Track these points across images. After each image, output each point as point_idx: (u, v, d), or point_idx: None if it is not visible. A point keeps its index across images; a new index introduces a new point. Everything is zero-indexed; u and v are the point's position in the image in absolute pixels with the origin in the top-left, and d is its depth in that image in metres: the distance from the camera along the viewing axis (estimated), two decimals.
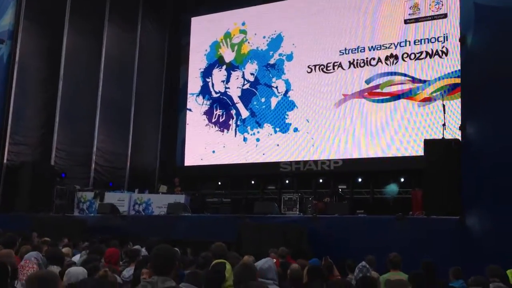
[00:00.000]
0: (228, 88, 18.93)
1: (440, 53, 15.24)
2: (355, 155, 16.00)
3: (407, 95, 15.54)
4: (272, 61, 18.14)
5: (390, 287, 4.71)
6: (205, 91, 19.42)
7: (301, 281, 5.20)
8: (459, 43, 10.79)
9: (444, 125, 11.44)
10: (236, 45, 19.04)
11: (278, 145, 17.43)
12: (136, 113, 19.13)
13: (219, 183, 18.97)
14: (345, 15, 17.01)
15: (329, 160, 16.31)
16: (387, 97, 15.83)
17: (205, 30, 19.85)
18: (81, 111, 17.43)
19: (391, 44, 16.04)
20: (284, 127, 17.46)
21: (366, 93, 16.19)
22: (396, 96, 15.70)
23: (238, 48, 18.98)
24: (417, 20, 15.75)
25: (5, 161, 15.21)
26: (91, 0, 17.94)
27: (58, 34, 16.90)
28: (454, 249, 9.22)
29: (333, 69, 16.89)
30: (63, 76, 16.85)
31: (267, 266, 4.82)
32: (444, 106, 11.95)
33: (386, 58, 16.04)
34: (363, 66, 16.41)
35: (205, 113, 19.20)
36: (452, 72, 14.81)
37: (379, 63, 16.14)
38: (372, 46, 16.35)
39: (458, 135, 10.93)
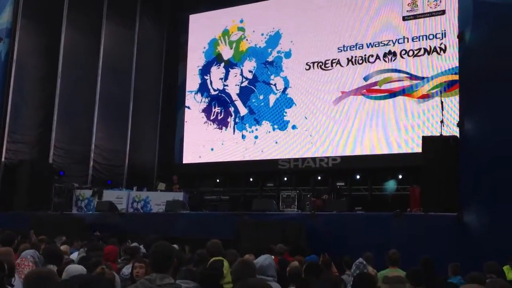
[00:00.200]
0: (227, 85, 18.92)
1: (438, 49, 15.24)
2: (353, 152, 16.00)
3: (405, 92, 15.54)
4: (270, 59, 18.12)
5: (388, 284, 4.72)
6: (203, 88, 19.41)
7: (300, 278, 5.21)
8: (457, 40, 10.81)
9: (442, 121, 11.47)
10: (234, 43, 19.02)
11: (276, 142, 17.43)
12: (135, 111, 19.12)
13: (218, 180, 18.97)
14: (343, 12, 16.99)
15: (327, 157, 16.32)
16: (385, 94, 15.83)
17: (203, 28, 19.83)
18: (79, 109, 17.42)
19: (389, 41, 16.04)
20: (282, 125, 17.46)
21: (364, 90, 16.19)
22: (394, 93, 15.70)
23: (236, 46, 18.97)
24: (415, 16, 15.75)
25: (3, 159, 15.23)
26: None
27: (56, 32, 16.89)
28: (452, 245, 9.24)
29: (331, 66, 16.89)
30: (61, 73, 16.83)
31: (267, 263, 4.84)
32: (442, 103, 11.98)
33: (384, 55, 16.03)
34: (361, 63, 16.41)
35: (204, 110, 19.19)
36: (450, 69, 14.81)
37: (377, 60, 16.14)
38: (370, 43, 16.35)
39: (456, 131, 10.93)
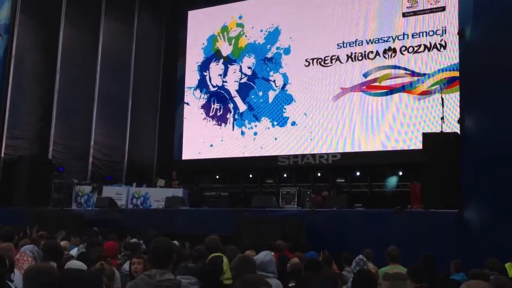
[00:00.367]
0: (226, 81, 18.88)
1: (438, 46, 15.21)
2: (353, 149, 15.98)
3: (405, 88, 15.52)
4: (269, 55, 18.08)
5: (389, 280, 4.69)
6: (202, 85, 19.37)
7: (301, 274, 5.20)
8: (457, 36, 10.77)
9: (442, 118, 11.44)
10: (233, 39, 18.97)
11: (276, 138, 17.41)
12: (134, 107, 19.09)
13: (217, 176, 18.94)
14: (343, 8, 16.95)
15: (327, 154, 16.29)
16: (385, 90, 15.80)
17: (202, 24, 19.77)
18: (78, 105, 17.39)
19: (389, 37, 16.00)
20: (282, 121, 17.44)
21: (364, 87, 16.16)
22: (394, 90, 15.67)
23: (235, 42, 18.92)
24: (415, 13, 15.70)
25: (2, 155, 15.22)
26: None
27: (55, 28, 16.83)
28: (453, 242, 9.23)
29: (331, 62, 16.85)
30: (60, 70, 16.79)
31: (268, 259, 4.83)
32: (442, 99, 11.95)
33: (384, 52, 16.00)
34: (361, 60, 16.37)
35: (203, 107, 19.16)
36: (451, 65, 14.78)
37: (377, 56, 16.10)
38: (370, 40, 16.31)
39: (456, 128, 10.92)
